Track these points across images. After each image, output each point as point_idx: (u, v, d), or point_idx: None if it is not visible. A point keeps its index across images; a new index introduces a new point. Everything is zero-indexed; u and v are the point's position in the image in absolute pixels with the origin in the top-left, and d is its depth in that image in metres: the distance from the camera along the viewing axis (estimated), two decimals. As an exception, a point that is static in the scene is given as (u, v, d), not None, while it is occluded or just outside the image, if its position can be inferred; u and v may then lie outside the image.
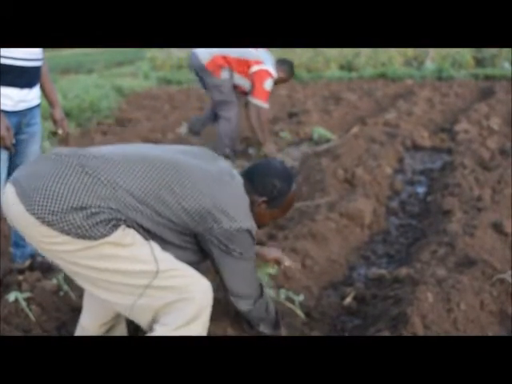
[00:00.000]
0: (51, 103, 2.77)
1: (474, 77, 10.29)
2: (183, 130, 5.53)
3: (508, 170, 4.01)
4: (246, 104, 4.92)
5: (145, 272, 1.62)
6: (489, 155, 4.71)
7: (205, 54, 4.61)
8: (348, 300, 2.56)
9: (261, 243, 2.85)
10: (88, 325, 1.96)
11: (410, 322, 2.01)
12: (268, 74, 4.66)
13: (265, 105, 4.77)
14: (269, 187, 1.81)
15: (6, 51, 2.34)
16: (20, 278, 2.63)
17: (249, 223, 1.72)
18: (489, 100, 7.24)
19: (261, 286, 1.89)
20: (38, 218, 1.53)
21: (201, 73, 4.72)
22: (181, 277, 1.67)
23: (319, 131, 5.71)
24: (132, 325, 1.94)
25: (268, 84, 4.69)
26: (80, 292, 2.31)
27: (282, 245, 2.86)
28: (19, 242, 2.74)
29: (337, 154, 4.69)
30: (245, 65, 4.64)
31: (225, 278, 1.78)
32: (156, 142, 5.73)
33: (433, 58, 11.39)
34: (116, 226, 1.57)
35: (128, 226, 1.61)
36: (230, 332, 2.06)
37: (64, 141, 2.93)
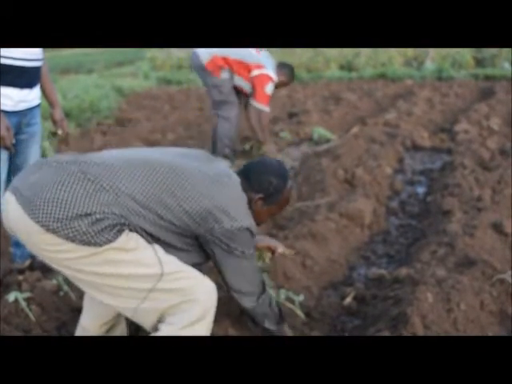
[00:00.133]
0: (51, 103, 2.78)
1: (474, 77, 10.29)
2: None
3: (508, 170, 4.01)
4: (246, 105, 4.92)
5: (149, 275, 1.63)
6: (489, 155, 4.71)
7: (205, 54, 4.61)
8: (348, 300, 2.56)
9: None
10: (88, 325, 1.96)
11: (409, 322, 2.01)
12: (269, 78, 4.67)
13: (266, 108, 4.79)
14: (265, 184, 1.84)
15: (5, 51, 2.34)
16: (20, 278, 2.63)
17: (249, 221, 1.74)
18: (489, 100, 7.23)
19: (263, 283, 1.91)
20: (42, 226, 1.52)
21: (201, 72, 4.73)
22: (185, 279, 1.68)
23: (319, 131, 5.71)
24: (133, 325, 1.94)
25: (269, 88, 4.71)
26: (80, 292, 2.31)
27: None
28: (19, 242, 2.74)
29: (337, 154, 4.69)
30: (245, 68, 4.65)
31: (227, 277, 1.79)
32: (156, 142, 5.74)
33: (433, 58, 11.38)
34: (120, 232, 1.58)
35: (131, 231, 1.61)
36: (231, 332, 2.06)
37: (64, 141, 2.92)
